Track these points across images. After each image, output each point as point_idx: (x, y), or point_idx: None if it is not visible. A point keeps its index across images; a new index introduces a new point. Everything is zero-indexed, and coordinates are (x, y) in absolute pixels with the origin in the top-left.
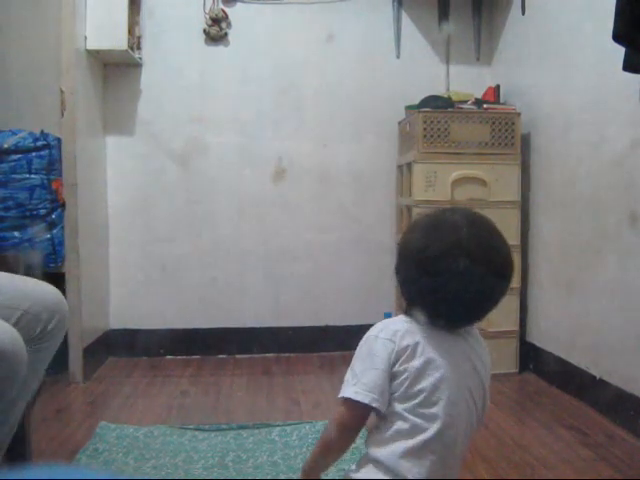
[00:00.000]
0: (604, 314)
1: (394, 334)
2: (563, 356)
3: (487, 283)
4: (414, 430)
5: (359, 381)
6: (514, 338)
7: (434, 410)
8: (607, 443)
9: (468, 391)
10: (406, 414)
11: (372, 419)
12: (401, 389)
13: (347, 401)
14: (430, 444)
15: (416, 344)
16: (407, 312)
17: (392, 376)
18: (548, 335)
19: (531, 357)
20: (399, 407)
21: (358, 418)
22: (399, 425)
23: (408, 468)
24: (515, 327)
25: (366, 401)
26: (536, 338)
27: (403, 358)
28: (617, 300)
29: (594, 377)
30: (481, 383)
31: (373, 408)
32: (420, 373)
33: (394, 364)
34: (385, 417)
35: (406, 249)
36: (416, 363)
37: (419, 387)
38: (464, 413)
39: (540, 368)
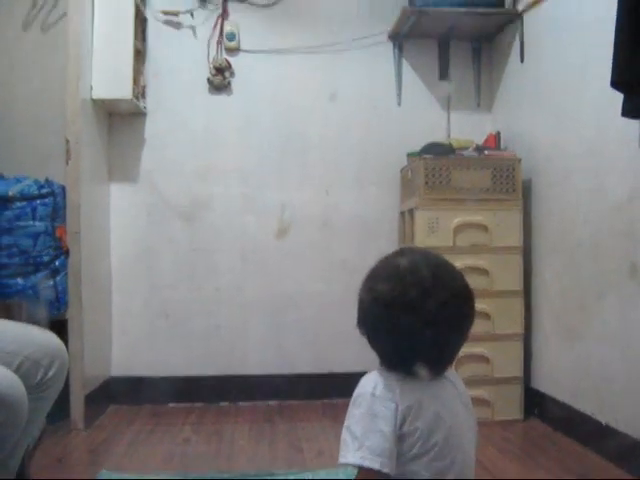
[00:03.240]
0: (607, 360)
1: (391, 391)
2: (568, 402)
3: (460, 319)
4: (440, 474)
5: (362, 445)
6: (519, 384)
7: (447, 461)
8: None
9: (470, 431)
10: (423, 472)
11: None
12: (414, 449)
13: (361, 471)
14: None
15: (419, 400)
16: (387, 365)
17: (401, 437)
18: (553, 381)
19: (536, 403)
20: (413, 466)
21: None
22: (424, 474)
23: None
24: (519, 373)
25: (376, 466)
26: (541, 384)
27: (410, 418)
28: (620, 346)
29: (600, 423)
30: (472, 417)
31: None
32: (431, 428)
33: (401, 425)
34: (402, 470)
35: (371, 302)
36: (426, 420)
37: (432, 442)
38: (470, 452)
39: (545, 414)
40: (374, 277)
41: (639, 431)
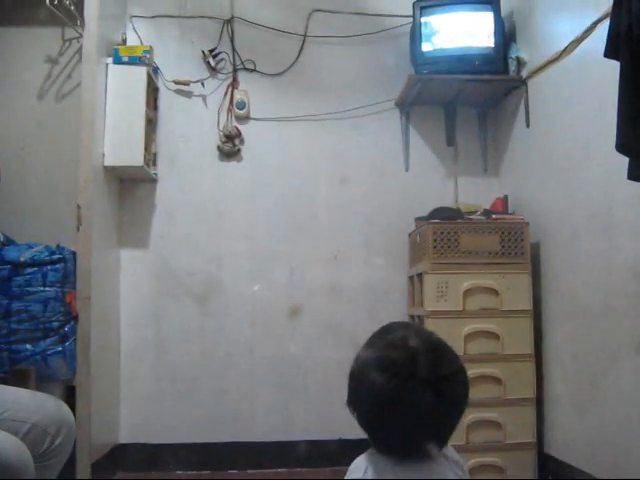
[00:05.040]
0: (623, 425)
1: (380, 474)
2: (583, 468)
3: (455, 399)
4: None
5: None
6: (532, 450)
7: None
8: None
9: None
10: None
11: None
12: None
13: None
14: None
15: None
16: (377, 447)
17: None
18: (566, 447)
19: (550, 469)
20: None
21: None
22: None
23: None
24: (532, 439)
25: None
26: (554, 450)
27: None
28: (635, 411)
29: None
30: None
31: None
32: None
33: None
34: None
35: (364, 389)
36: None
37: None
38: None
39: None
40: (362, 362)
41: None
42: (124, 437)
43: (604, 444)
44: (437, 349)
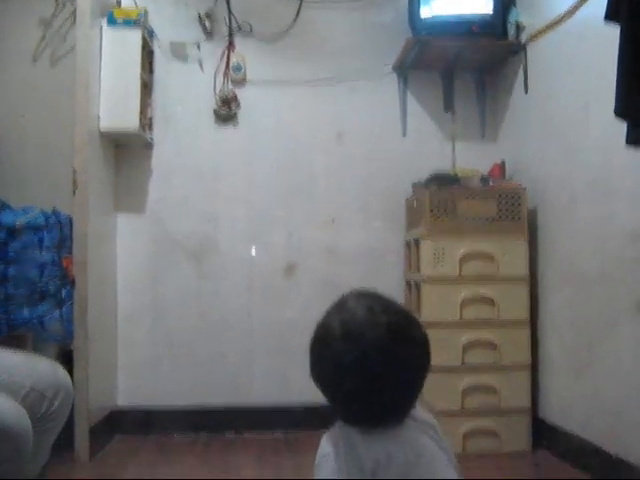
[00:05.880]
0: (619, 390)
1: (353, 448)
2: (577, 433)
3: (416, 367)
4: None
5: None
6: (526, 415)
7: None
8: None
9: (449, 470)
10: None
11: None
12: None
13: None
14: None
15: (386, 451)
16: (344, 418)
17: None
18: (561, 412)
19: (544, 434)
20: None
21: None
22: None
23: None
24: (527, 404)
25: None
26: (549, 415)
27: (381, 471)
28: (632, 376)
29: (610, 455)
30: (448, 455)
31: None
32: (406, 476)
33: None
34: None
35: (325, 359)
36: (398, 470)
37: None
38: None
39: (554, 446)
40: (322, 333)
41: None
42: (122, 401)
43: (599, 410)
44: (398, 316)
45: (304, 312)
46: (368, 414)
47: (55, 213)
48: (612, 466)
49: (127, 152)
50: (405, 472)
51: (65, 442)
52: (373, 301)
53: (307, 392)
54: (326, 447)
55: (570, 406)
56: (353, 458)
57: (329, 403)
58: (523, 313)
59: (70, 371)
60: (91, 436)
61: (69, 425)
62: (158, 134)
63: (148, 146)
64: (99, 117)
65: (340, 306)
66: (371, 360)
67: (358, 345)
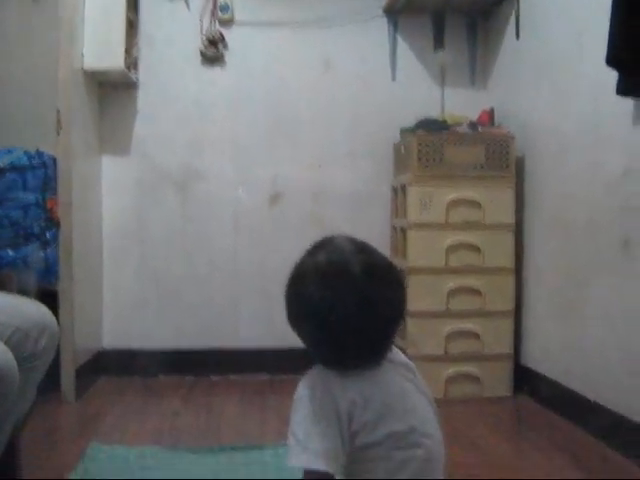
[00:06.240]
0: (599, 338)
1: (330, 391)
2: (558, 379)
3: (390, 304)
4: (403, 463)
5: (306, 448)
6: (508, 361)
7: (413, 438)
8: (601, 467)
9: (428, 412)
10: (389, 453)
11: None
12: (367, 441)
13: (305, 471)
14: (423, 469)
15: (363, 394)
16: (321, 361)
17: (352, 434)
18: (543, 358)
19: (525, 380)
20: (378, 451)
21: None
22: (386, 465)
23: None
24: (509, 350)
25: (322, 468)
26: (531, 361)
27: (357, 413)
28: (613, 324)
29: (589, 401)
30: (427, 397)
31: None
32: (380, 419)
33: (350, 423)
34: (366, 463)
35: (301, 302)
36: (374, 412)
37: (385, 432)
38: (436, 434)
39: (534, 391)
40: (298, 275)
41: (626, 408)
42: (107, 343)
43: (579, 355)
44: (375, 258)
45: (289, 254)
46: (344, 357)
47: (39, 154)
48: (591, 411)
49: (112, 92)
50: (381, 413)
51: (51, 383)
52: (350, 243)
53: (292, 336)
54: (302, 389)
55: (551, 353)
56: (329, 400)
57: (306, 346)
58: (508, 260)
59: (55, 312)
60: (77, 377)
61: (55, 366)
62: (143, 74)
63: (133, 86)
64: (83, 56)
65: (316, 248)
66: (347, 300)
67: (334, 285)
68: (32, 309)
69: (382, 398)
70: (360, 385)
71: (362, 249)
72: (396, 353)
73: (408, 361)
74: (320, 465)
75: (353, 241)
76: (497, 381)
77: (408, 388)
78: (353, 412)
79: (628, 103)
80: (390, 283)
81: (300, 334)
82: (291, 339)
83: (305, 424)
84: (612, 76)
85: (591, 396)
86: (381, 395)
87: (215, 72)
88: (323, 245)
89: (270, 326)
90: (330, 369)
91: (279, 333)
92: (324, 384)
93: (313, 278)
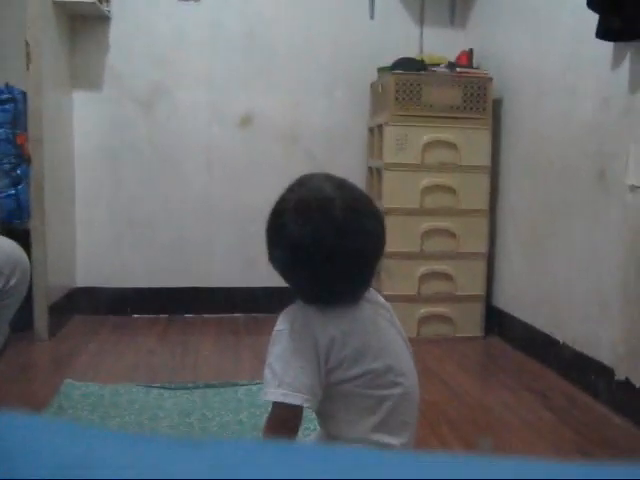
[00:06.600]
0: (569, 280)
1: (309, 326)
2: (528, 321)
3: (370, 241)
4: (379, 401)
5: (283, 382)
6: (480, 302)
7: (390, 377)
8: (568, 406)
9: (403, 349)
10: (365, 390)
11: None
12: (350, 373)
13: (277, 405)
14: (398, 407)
15: (342, 330)
16: (301, 297)
17: (329, 371)
18: (514, 300)
19: (497, 321)
20: (354, 387)
21: (292, 419)
22: (361, 402)
23: (385, 438)
24: (481, 292)
25: (297, 402)
26: (502, 303)
27: (335, 350)
28: (582, 266)
29: (557, 342)
30: (401, 334)
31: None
32: (359, 356)
33: (327, 359)
34: (341, 399)
35: (282, 238)
36: (353, 348)
37: (363, 369)
38: (411, 373)
39: (505, 332)
40: (279, 212)
41: (593, 349)
42: (81, 281)
43: (550, 297)
44: (355, 194)
45: (264, 192)
46: (325, 292)
47: (8, 88)
48: (559, 352)
49: (83, 25)
50: (359, 350)
51: (25, 322)
52: (330, 180)
53: (267, 275)
54: (282, 323)
55: (522, 294)
56: (308, 335)
57: (287, 282)
58: (483, 203)
59: (28, 250)
60: (50, 315)
61: (28, 304)
62: (115, 7)
63: (105, 19)
64: None
65: (296, 185)
66: (328, 234)
67: (315, 219)
68: (3, 246)
69: (360, 336)
70: (339, 322)
71: (342, 185)
72: (374, 293)
73: (385, 302)
74: (296, 400)
75: (333, 178)
76: (469, 322)
77: (385, 327)
78: (331, 348)
79: (607, 46)
80: (370, 218)
81: (281, 270)
82: (265, 278)
83: (283, 358)
84: (592, 19)
85: (560, 337)
86: (359, 333)
87: (190, 5)
88: (303, 182)
89: (245, 265)
90: (310, 305)
91: (253, 272)
92: (304, 319)
93: (294, 213)
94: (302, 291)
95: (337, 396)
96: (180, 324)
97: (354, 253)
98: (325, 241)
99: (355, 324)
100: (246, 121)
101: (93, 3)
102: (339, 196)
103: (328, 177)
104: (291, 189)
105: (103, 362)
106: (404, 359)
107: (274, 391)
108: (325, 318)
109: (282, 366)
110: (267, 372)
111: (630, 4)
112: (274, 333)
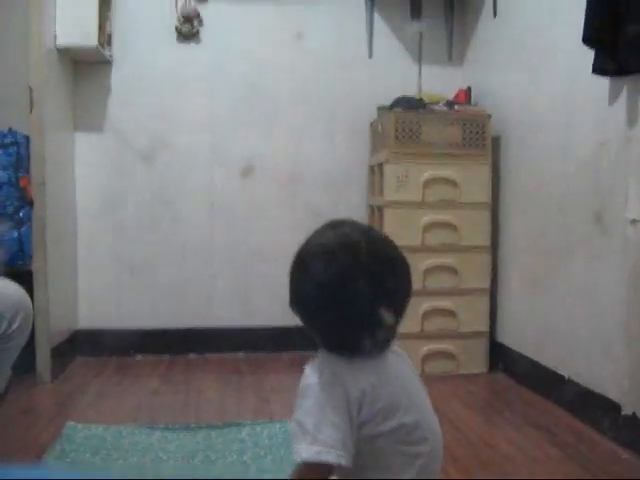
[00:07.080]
0: (572, 315)
1: (339, 378)
2: (532, 356)
3: (398, 290)
4: (412, 459)
5: (316, 439)
6: (484, 338)
7: (419, 433)
8: (574, 442)
9: (427, 400)
10: (400, 447)
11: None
12: (383, 427)
13: (309, 464)
14: (427, 464)
15: (372, 383)
16: (325, 344)
17: (362, 423)
18: (517, 335)
19: (501, 357)
20: (387, 442)
21: (325, 477)
22: (394, 460)
23: None
24: (485, 328)
25: (332, 460)
26: (506, 338)
27: (367, 403)
28: (584, 301)
29: (562, 377)
30: (423, 386)
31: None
32: (391, 408)
33: (359, 412)
34: (372, 455)
35: (307, 279)
36: (384, 401)
37: (395, 423)
38: (434, 419)
39: (509, 368)
40: (306, 254)
41: (598, 384)
42: (84, 323)
43: (552, 332)
44: (378, 238)
45: (265, 234)
46: (354, 340)
47: (12, 132)
48: (564, 388)
49: (85, 70)
50: (391, 404)
51: (27, 364)
52: (356, 226)
53: (268, 314)
54: (310, 376)
55: (526, 330)
56: (338, 386)
57: (311, 330)
58: (484, 239)
59: (30, 292)
60: (53, 357)
61: (31, 347)
62: (117, 51)
63: (107, 63)
64: (56, 33)
65: (323, 228)
66: (358, 280)
67: (344, 265)
68: (6, 290)
69: (391, 388)
70: (369, 372)
71: (368, 231)
72: (393, 344)
73: (401, 351)
74: (330, 457)
75: (359, 224)
76: (473, 358)
77: (411, 378)
78: (363, 400)
79: (602, 82)
80: (396, 264)
81: (304, 313)
82: (267, 318)
83: (314, 413)
84: (587, 55)
85: (565, 373)
86: (390, 385)
87: (190, 49)
88: (330, 226)
89: (246, 305)
90: (334, 354)
91: (255, 312)
92: (333, 369)
93: (320, 255)
94: (326, 337)
95: (367, 453)
96: (182, 364)
97: (384, 300)
98: (355, 286)
99: (385, 376)
100: (247, 171)
101: (95, 48)
102: (365, 240)
103: (355, 223)
104: (318, 232)
105: (105, 404)
106: (430, 415)
107: (307, 448)
108: (354, 369)
109: (313, 422)
110: (296, 429)
111: (624, 41)
112: (302, 387)
